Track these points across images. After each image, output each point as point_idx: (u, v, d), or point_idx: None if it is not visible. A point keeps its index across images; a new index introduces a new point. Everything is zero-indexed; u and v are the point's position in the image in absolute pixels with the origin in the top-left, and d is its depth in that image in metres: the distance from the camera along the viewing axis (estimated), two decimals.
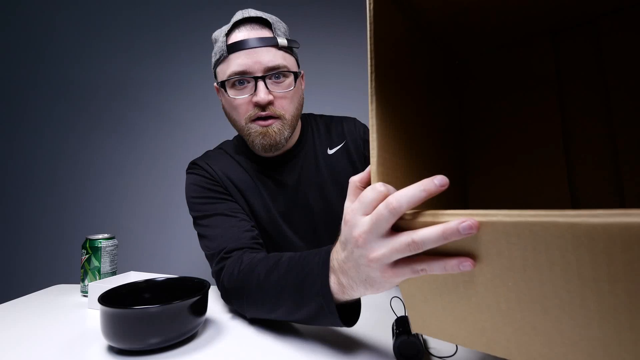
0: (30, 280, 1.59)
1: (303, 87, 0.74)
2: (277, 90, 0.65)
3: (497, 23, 0.36)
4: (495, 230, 0.24)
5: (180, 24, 1.60)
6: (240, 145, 0.76)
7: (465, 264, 0.26)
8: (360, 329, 0.53)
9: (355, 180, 0.33)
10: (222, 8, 1.50)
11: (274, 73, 0.64)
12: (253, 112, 0.65)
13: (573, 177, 0.35)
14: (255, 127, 0.66)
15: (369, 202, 0.30)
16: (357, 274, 0.34)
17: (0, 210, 1.64)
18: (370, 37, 0.30)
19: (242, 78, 0.64)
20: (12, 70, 1.66)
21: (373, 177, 0.30)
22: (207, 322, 0.59)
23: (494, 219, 0.24)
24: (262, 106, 0.64)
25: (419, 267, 0.28)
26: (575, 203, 0.35)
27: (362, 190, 0.32)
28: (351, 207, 0.32)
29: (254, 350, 0.48)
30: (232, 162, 0.74)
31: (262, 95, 0.63)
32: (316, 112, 0.85)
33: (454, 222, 0.25)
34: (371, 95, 0.31)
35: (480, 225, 0.25)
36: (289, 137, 0.69)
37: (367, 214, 0.30)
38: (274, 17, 0.68)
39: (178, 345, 0.50)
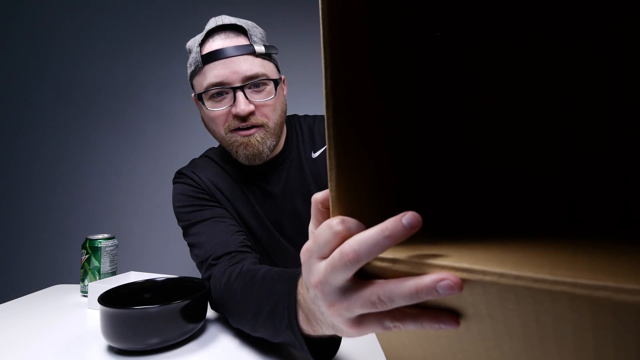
0: (30, 280, 1.59)
1: (285, 92, 0.72)
2: (258, 99, 0.62)
3: (494, 11, 0.33)
4: (486, 292, 0.19)
5: (181, 24, 1.60)
6: (225, 153, 0.74)
7: (448, 322, 0.22)
8: None
9: (317, 200, 0.27)
10: (223, 9, 1.50)
11: (253, 82, 0.62)
12: (232, 122, 0.63)
13: (573, 186, 0.32)
14: (236, 137, 0.64)
15: (324, 244, 0.24)
16: (324, 318, 0.30)
17: (0, 210, 1.64)
18: (322, 18, 0.23)
19: (220, 89, 0.62)
20: (12, 70, 1.66)
21: (332, 208, 0.24)
22: (207, 322, 0.59)
23: (486, 278, 0.19)
24: (242, 117, 0.62)
25: (390, 323, 0.24)
26: (573, 217, 0.32)
27: (325, 214, 0.26)
28: (306, 245, 0.26)
29: (254, 350, 0.48)
30: (220, 170, 0.72)
31: (242, 106, 0.60)
32: (301, 113, 0.83)
33: (430, 278, 0.20)
34: (327, 99, 0.23)
35: (465, 283, 0.19)
36: (274, 146, 0.67)
37: (323, 258, 0.25)
38: (249, 22, 0.66)
39: (178, 345, 0.50)
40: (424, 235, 0.29)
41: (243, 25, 0.64)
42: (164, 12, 1.61)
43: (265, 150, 0.65)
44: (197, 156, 0.78)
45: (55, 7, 1.63)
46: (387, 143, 0.30)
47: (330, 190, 0.24)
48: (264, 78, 0.62)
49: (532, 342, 0.20)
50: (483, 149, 0.38)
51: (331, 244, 0.24)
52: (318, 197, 0.27)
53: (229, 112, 0.62)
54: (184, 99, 1.58)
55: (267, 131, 0.64)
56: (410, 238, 0.22)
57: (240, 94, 0.61)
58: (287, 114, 0.76)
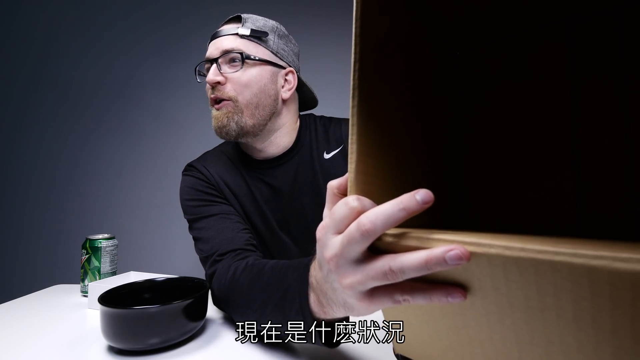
0: (30, 280, 1.59)
1: (284, 82, 0.69)
2: (229, 72, 0.65)
3: (508, 9, 0.33)
4: (491, 263, 0.20)
5: (181, 25, 1.60)
6: (237, 145, 0.75)
7: (455, 295, 0.23)
8: None
9: (333, 186, 0.29)
10: (223, 9, 1.50)
11: (229, 56, 0.65)
12: (209, 94, 0.66)
13: (581, 187, 0.32)
14: (212, 111, 0.67)
15: (340, 220, 0.26)
16: (335, 296, 0.31)
17: (0, 210, 1.64)
18: (355, 20, 0.26)
19: (204, 63, 0.67)
20: (12, 70, 1.65)
21: (350, 187, 0.26)
22: (207, 322, 0.59)
23: (492, 251, 0.20)
24: (213, 88, 0.65)
25: (400, 297, 0.25)
26: (581, 217, 0.32)
27: (340, 199, 0.28)
28: (323, 223, 0.28)
29: (254, 350, 0.48)
30: (229, 165, 0.73)
31: (210, 75, 0.64)
32: (318, 113, 0.82)
33: (439, 249, 0.21)
34: (353, 90, 0.26)
35: (472, 256, 0.21)
36: (246, 127, 0.65)
37: (339, 233, 0.26)
38: (254, 16, 0.68)
39: (178, 345, 0.50)
40: (434, 226, 0.30)
41: (242, 14, 0.67)
42: (163, 12, 1.61)
43: (232, 125, 0.65)
44: (196, 157, 0.78)
45: (55, 7, 1.63)
46: (405, 136, 0.32)
47: (350, 172, 0.26)
48: (238, 52, 0.64)
49: (533, 315, 0.21)
50: (487, 150, 0.39)
51: (348, 219, 0.25)
52: (334, 183, 0.29)
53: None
54: (184, 99, 1.58)
55: (236, 107, 0.65)
56: (421, 224, 0.23)
57: (213, 65, 0.65)
58: (303, 113, 0.78)
